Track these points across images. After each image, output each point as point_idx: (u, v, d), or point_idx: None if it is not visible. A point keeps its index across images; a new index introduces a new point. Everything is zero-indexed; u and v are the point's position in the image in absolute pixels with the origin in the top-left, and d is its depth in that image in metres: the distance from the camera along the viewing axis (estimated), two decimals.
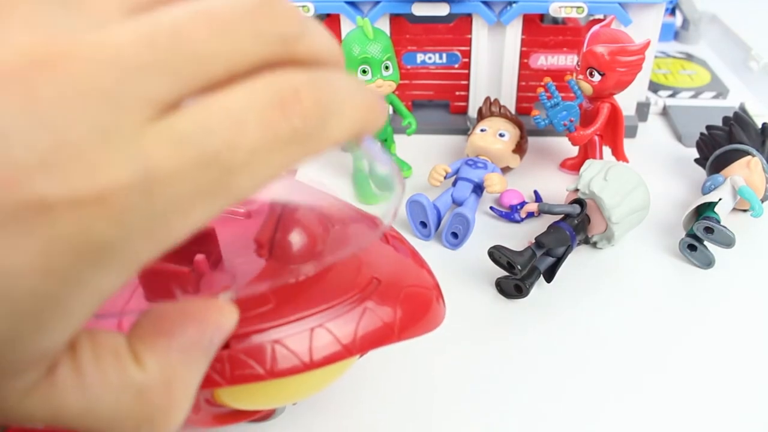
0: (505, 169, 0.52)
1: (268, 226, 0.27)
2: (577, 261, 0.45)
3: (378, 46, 0.46)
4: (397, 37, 0.58)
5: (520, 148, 0.52)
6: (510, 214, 0.49)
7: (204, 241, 0.31)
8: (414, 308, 0.27)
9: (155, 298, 0.31)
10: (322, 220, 0.29)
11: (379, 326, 0.25)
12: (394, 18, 0.57)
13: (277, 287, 0.26)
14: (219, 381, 0.23)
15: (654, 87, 0.66)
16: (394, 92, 0.50)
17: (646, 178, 0.45)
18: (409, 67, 0.60)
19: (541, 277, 0.42)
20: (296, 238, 0.27)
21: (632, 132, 0.59)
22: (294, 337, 0.24)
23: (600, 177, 0.44)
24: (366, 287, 0.26)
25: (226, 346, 0.24)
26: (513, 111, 0.60)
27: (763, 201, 0.47)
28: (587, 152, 0.53)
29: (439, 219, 0.47)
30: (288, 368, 0.24)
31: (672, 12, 0.78)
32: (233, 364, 0.24)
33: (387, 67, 0.47)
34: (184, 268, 0.28)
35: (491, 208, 0.50)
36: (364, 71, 0.46)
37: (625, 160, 0.52)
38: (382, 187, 0.28)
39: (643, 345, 0.38)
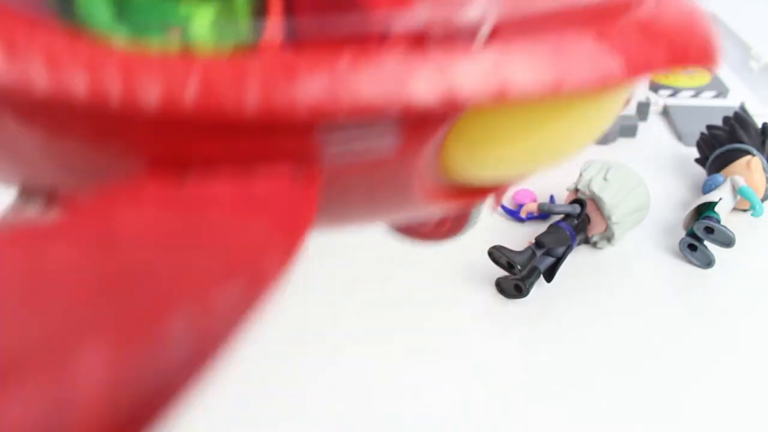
0: None
1: None
2: (577, 261, 0.45)
3: None
4: None
5: None
6: (516, 212, 0.49)
7: None
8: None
9: None
10: None
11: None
12: None
13: None
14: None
15: (654, 86, 0.66)
16: None
17: (646, 177, 0.45)
18: None
19: (541, 277, 0.42)
20: None
21: (632, 132, 0.59)
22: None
23: (600, 177, 0.44)
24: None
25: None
26: None
27: (763, 201, 0.47)
28: None
29: None
30: None
31: None
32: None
33: None
34: None
35: (501, 205, 0.50)
36: None
37: None
38: None
39: (642, 344, 0.38)
